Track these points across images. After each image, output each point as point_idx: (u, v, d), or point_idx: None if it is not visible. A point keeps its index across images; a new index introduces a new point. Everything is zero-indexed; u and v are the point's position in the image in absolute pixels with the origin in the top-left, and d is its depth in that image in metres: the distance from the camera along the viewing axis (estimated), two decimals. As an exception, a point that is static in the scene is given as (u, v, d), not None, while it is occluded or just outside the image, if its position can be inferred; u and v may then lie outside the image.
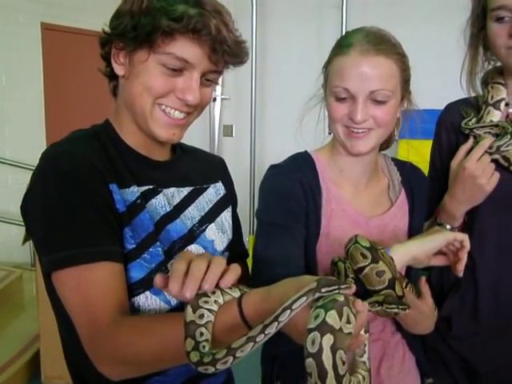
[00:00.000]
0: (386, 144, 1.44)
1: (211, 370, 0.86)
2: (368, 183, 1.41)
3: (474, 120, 1.48)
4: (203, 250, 1.26)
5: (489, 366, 1.47)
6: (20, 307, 4.32)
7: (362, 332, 0.93)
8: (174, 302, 1.15)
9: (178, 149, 1.35)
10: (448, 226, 1.45)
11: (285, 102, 4.70)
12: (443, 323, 1.51)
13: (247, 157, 5.25)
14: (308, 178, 1.33)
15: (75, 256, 1.03)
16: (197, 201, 1.31)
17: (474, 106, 1.54)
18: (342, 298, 0.85)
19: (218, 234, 1.33)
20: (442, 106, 1.66)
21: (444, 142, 1.56)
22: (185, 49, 1.09)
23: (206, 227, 1.30)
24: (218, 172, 1.43)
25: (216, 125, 5.63)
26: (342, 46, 1.28)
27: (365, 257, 1.12)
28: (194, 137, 6.24)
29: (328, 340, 0.81)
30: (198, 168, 1.37)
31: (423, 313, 1.28)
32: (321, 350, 0.80)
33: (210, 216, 1.33)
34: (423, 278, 1.28)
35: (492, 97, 1.47)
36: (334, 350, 0.80)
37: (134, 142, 1.21)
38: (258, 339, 0.85)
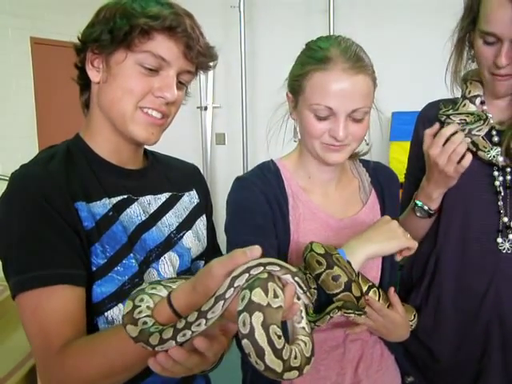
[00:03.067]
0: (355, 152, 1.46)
1: (188, 333, 0.86)
2: (337, 186, 1.44)
3: (451, 111, 1.51)
4: (177, 258, 1.27)
5: (451, 358, 1.50)
6: (17, 322, 4.28)
7: (295, 300, 0.94)
8: None
9: (151, 156, 1.36)
10: (426, 207, 1.48)
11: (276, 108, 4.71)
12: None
13: (240, 164, 5.25)
14: (272, 187, 1.36)
15: (35, 279, 1.04)
16: (175, 207, 1.32)
17: (451, 103, 1.57)
18: (265, 275, 0.87)
19: (194, 242, 1.34)
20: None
21: (421, 135, 1.56)
22: (161, 47, 1.12)
23: (184, 234, 1.31)
24: (191, 180, 1.43)
25: (208, 133, 5.63)
26: (319, 59, 1.26)
27: (320, 263, 1.16)
28: (187, 146, 6.24)
29: (257, 318, 0.82)
30: (172, 176, 1.38)
31: (395, 322, 1.31)
32: (252, 329, 0.82)
33: (188, 223, 1.33)
34: (392, 289, 1.32)
35: (469, 91, 1.51)
36: (265, 326, 0.82)
37: (106, 151, 1.22)
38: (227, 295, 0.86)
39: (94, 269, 1.11)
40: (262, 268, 0.88)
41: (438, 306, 1.52)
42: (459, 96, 1.57)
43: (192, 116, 5.70)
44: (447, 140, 1.36)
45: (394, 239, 1.25)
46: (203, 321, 0.86)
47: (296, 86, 1.32)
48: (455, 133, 1.36)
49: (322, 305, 1.17)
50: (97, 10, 1.17)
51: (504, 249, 1.43)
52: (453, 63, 1.52)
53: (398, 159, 4.51)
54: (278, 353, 0.83)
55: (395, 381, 1.48)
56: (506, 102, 1.49)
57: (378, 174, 1.51)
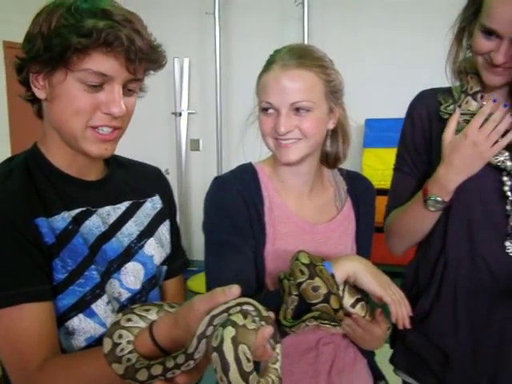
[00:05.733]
0: (334, 160, 1.48)
1: (177, 372, 0.88)
2: (311, 193, 1.46)
3: (452, 106, 1.49)
4: (141, 267, 1.27)
5: (467, 359, 1.49)
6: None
7: (270, 348, 0.95)
8: (108, 323, 1.16)
9: (113, 163, 1.34)
10: (439, 199, 1.43)
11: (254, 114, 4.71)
12: (423, 321, 1.53)
13: (214, 170, 5.25)
14: (249, 188, 1.38)
15: (2, 299, 1.04)
16: (135, 216, 1.31)
17: (449, 94, 1.55)
18: (240, 316, 0.88)
19: (157, 249, 1.33)
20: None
21: (417, 126, 1.57)
22: (100, 63, 1.08)
23: (145, 242, 1.30)
24: (154, 185, 1.41)
25: (183, 139, 5.62)
26: (268, 63, 1.35)
27: (303, 273, 1.18)
28: (161, 151, 6.21)
29: (229, 332, 0.82)
30: (134, 182, 1.36)
31: (374, 335, 1.32)
32: (222, 341, 0.81)
33: (149, 230, 1.33)
34: (379, 310, 1.32)
35: (472, 87, 1.48)
36: (235, 342, 0.82)
37: (63, 163, 1.20)
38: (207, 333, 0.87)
39: (55, 284, 1.11)
40: (239, 308, 0.90)
41: (452, 308, 1.50)
42: (452, 85, 1.55)
43: (167, 122, 5.69)
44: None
45: (379, 283, 1.25)
46: (191, 362, 0.88)
47: (256, 92, 1.40)
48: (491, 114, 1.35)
49: (300, 312, 1.18)
50: (33, 18, 1.12)
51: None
52: (452, 53, 1.50)
53: (371, 166, 4.55)
54: (244, 375, 0.81)
55: None
56: (503, 97, 1.48)
57: (355, 184, 1.54)
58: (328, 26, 5.25)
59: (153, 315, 1.00)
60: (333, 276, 1.20)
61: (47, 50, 1.07)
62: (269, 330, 0.91)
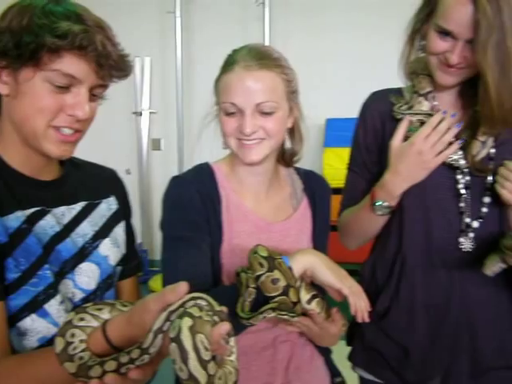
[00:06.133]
0: (290, 158, 1.51)
1: (131, 367, 0.89)
2: (268, 192, 1.48)
3: (405, 107, 1.51)
4: (96, 267, 1.27)
5: (425, 353, 1.52)
6: None
7: (231, 341, 0.97)
8: (61, 323, 1.15)
9: (68, 164, 1.33)
10: (385, 204, 1.47)
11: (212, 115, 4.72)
12: (381, 318, 1.56)
13: (176, 170, 5.22)
14: (207, 187, 1.39)
15: None
16: (90, 216, 1.30)
17: (400, 95, 1.58)
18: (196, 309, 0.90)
19: (112, 249, 1.33)
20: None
21: (370, 127, 1.59)
22: (71, 65, 1.09)
23: (100, 243, 1.30)
24: (109, 186, 1.41)
25: (144, 139, 5.57)
26: (227, 63, 1.36)
27: (262, 266, 1.19)
28: (122, 151, 6.14)
29: (186, 322, 0.84)
30: (90, 183, 1.36)
31: (330, 333, 1.36)
32: (179, 330, 0.82)
33: (105, 231, 1.32)
34: (335, 308, 1.36)
35: (423, 87, 1.51)
36: (193, 331, 0.83)
37: (19, 162, 1.19)
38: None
39: (7, 283, 1.10)
40: (194, 302, 0.92)
41: (409, 304, 1.53)
42: (404, 85, 1.58)
43: (127, 121, 5.63)
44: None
45: (336, 276, 1.27)
46: (146, 356, 0.89)
47: (215, 92, 1.40)
48: (439, 122, 1.37)
49: (258, 305, 1.19)
50: (2, 12, 1.11)
51: (466, 248, 1.47)
52: (405, 54, 1.52)
53: (331, 165, 4.58)
54: (203, 362, 0.82)
55: (324, 382, 1.51)
56: (453, 96, 1.52)
57: (311, 183, 1.56)
58: (290, 27, 5.28)
59: (105, 314, 1.00)
60: (290, 269, 1.22)
61: (17, 47, 1.06)
62: (225, 327, 0.92)
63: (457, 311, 1.49)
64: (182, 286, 0.92)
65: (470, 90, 1.46)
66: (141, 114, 5.48)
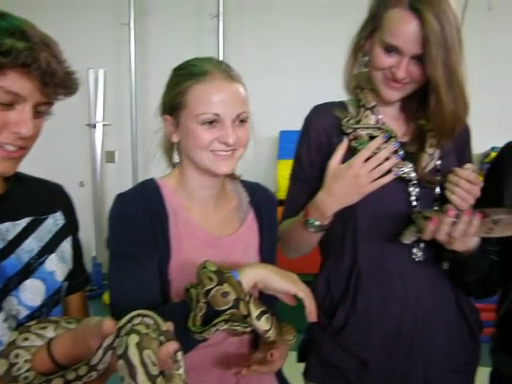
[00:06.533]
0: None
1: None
2: (216, 205, 1.47)
3: (352, 120, 1.52)
4: (41, 283, 1.25)
5: (382, 365, 1.53)
6: None
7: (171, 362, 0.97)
8: (4, 341, 1.12)
9: (13, 180, 1.30)
10: (317, 223, 1.49)
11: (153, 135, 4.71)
12: (339, 331, 1.56)
13: (130, 182, 5.18)
14: (153, 203, 1.38)
15: None
16: (36, 232, 1.28)
17: (344, 109, 1.58)
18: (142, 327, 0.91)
19: (59, 265, 1.31)
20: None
21: (314, 142, 1.59)
22: (15, 83, 1.06)
23: (46, 258, 1.28)
24: (56, 201, 1.39)
25: (98, 151, 5.51)
26: (197, 73, 1.34)
27: (211, 280, 1.20)
28: (76, 163, 6.03)
29: (133, 339, 0.84)
30: (35, 198, 1.34)
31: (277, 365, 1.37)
32: (127, 347, 0.83)
33: (51, 246, 1.31)
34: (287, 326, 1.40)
35: (369, 101, 1.53)
36: (140, 347, 0.83)
37: None
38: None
39: None
40: (141, 318, 0.93)
41: (366, 316, 1.53)
42: (346, 99, 1.60)
43: (81, 133, 5.56)
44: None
45: (290, 281, 1.29)
46: (94, 373, 0.89)
47: (175, 104, 1.37)
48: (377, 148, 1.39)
49: (209, 320, 1.19)
50: None
51: (417, 257, 1.51)
52: (348, 69, 1.55)
53: (285, 177, 4.56)
54: (151, 377, 0.82)
55: None
56: (395, 111, 1.55)
57: (256, 195, 1.56)
58: (243, 40, 5.31)
59: (50, 332, 0.99)
60: (240, 283, 1.23)
61: None
62: (172, 346, 0.92)
63: (411, 322, 1.51)
64: (107, 324, 0.92)
65: (412, 103, 1.51)
66: (95, 126, 5.42)
